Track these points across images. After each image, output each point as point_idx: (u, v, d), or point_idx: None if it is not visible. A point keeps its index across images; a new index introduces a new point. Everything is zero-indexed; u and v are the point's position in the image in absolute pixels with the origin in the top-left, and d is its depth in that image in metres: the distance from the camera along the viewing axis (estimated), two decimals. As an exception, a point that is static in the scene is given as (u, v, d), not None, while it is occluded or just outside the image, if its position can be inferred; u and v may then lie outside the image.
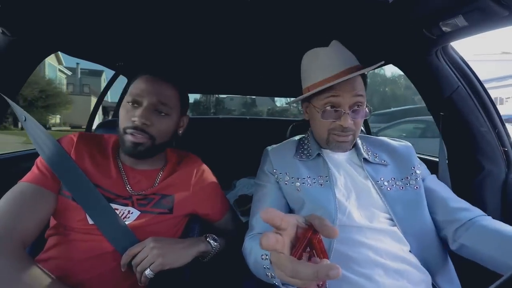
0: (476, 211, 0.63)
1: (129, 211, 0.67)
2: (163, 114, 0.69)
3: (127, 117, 0.66)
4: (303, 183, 0.70)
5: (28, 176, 0.64)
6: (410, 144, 0.77)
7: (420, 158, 0.78)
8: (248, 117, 2.41)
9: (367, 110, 0.70)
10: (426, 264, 0.60)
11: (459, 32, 0.69)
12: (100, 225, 0.63)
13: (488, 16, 0.59)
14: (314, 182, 0.69)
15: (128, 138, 0.66)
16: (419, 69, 0.93)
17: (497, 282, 0.24)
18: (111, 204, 0.66)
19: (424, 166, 0.74)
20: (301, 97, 0.75)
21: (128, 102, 0.68)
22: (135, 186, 0.71)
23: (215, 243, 0.72)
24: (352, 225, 0.62)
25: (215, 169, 0.88)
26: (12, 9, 0.71)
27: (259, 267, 0.53)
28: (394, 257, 0.58)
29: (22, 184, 0.62)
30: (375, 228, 0.61)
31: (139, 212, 0.68)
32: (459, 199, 0.67)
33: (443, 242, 0.64)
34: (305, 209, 0.68)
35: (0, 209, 0.56)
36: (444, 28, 0.69)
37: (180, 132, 0.79)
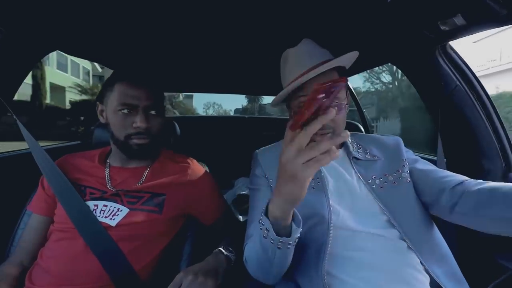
0: (462, 177, 0.61)
1: (118, 209, 0.69)
2: (156, 114, 0.74)
3: (126, 124, 0.70)
4: None
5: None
6: (399, 137, 0.76)
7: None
8: (246, 116, 2.40)
9: (343, 106, 0.65)
10: (426, 261, 0.58)
11: (457, 31, 0.69)
12: (76, 223, 0.65)
13: (487, 15, 0.59)
14: None
15: (134, 142, 0.71)
16: (418, 68, 0.93)
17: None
18: (101, 201, 0.69)
19: (410, 152, 0.74)
20: (277, 100, 0.72)
21: (120, 110, 0.70)
22: (122, 183, 0.74)
23: (233, 256, 0.70)
24: (348, 229, 0.60)
25: (214, 168, 0.88)
26: (8, 5, 0.70)
27: (257, 233, 0.53)
28: (392, 259, 0.57)
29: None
30: (371, 231, 0.60)
31: (128, 210, 0.69)
32: (445, 170, 0.65)
33: (440, 235, 0.63)
34: (299, 213, 0.66)
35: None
36: (442, 27, 0.69)
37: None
